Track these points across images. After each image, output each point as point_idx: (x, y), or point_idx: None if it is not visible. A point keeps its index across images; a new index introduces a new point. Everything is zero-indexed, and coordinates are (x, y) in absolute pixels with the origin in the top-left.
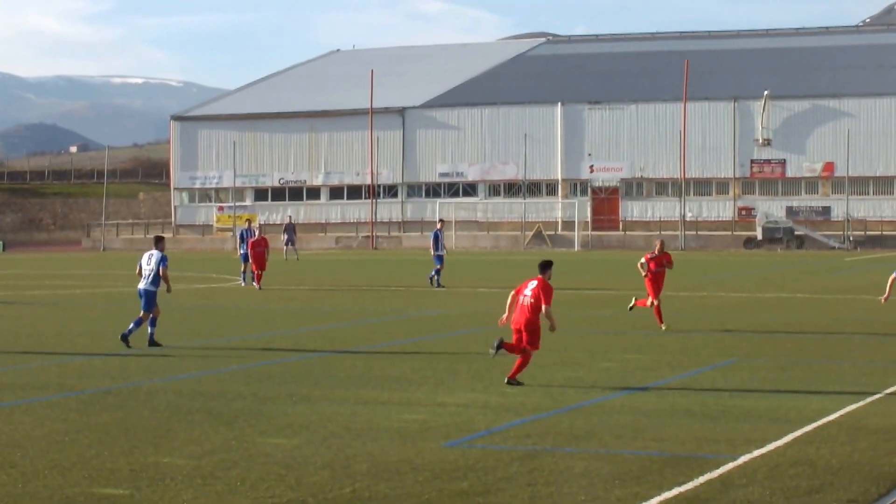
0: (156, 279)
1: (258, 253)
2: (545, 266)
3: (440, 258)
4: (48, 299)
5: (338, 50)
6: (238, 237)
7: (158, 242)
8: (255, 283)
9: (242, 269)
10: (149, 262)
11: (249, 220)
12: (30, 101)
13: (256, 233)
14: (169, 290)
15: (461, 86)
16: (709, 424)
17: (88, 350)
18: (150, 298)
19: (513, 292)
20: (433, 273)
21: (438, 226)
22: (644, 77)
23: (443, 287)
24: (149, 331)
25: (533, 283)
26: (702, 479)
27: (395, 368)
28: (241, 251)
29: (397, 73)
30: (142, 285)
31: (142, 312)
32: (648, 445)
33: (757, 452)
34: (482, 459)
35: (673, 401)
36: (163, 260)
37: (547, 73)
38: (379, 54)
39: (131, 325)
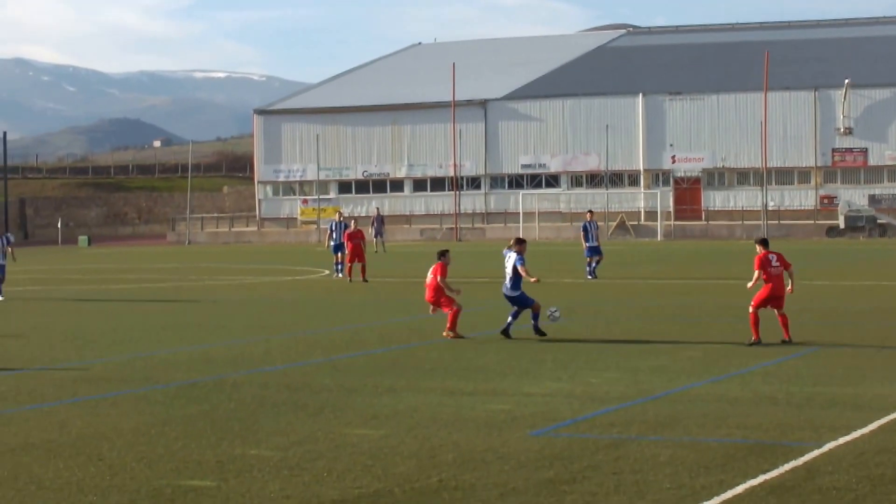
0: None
1: (356, 245)
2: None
3: (592, 249)
4: (133, 293)
5: (419, 43)
6: (329, 229)
7: (520, 243)
8: (349, 275)
9: (335, 260)
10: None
11: (340, 213)
12: (113, 97)
13: (352, 225)
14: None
15: (542, 77)
16: (793, 412)
17: (173, 343)
18: (519, 298)
19: None
20: (593, 265)
21: (588, 217)
22: (724, 67)
23: (595, 278)
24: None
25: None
26: (787, 467)
27: (480, 359)
28: (332, 243)
29: (479, 66)
30: (506, 292)
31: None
32: (733, 433)
33: (842, 440)
34: (567, 448)
35: (756, 388)
36: (519, 259)
37: (628, 65)
38: (460, 47)
39: (509, 319)
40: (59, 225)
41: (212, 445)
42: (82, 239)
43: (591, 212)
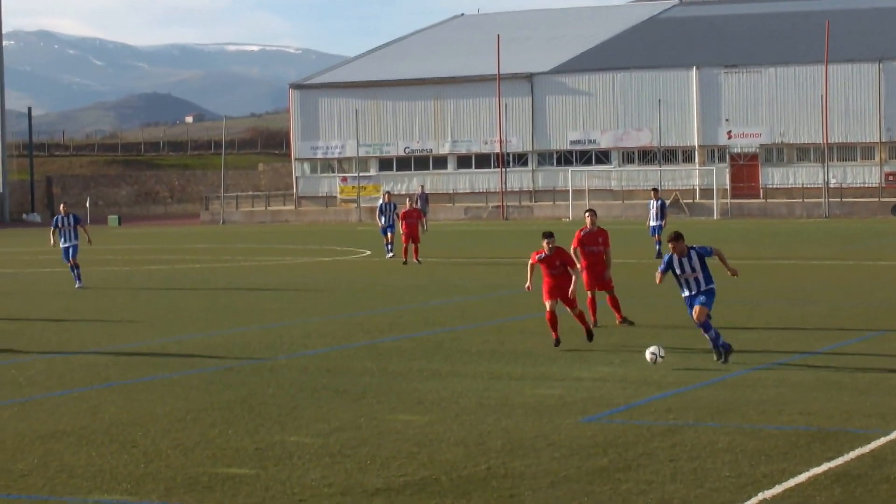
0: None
1: (411, 224)
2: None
3: (656, 228)
4: (166, 275)
5: (462, 14)
6: (378, 210)
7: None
8: (404, 256)
9: (385, 241)
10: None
11: (388, 193)
12: (143, 71)
13: (408, 203)
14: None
15: (591, 50)
16: (858, 398)
17: (209, 327)
18: None
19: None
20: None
21: (653, 195)
22: (782, 39)
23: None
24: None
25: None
26: (852, 455)
27: (528, 342)
28: (382, 224)
29: (524, 38)
30: None
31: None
32: (795, 419)
33: None
34: (621, 435)
35: (819, 373)
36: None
37: (680, 36)
38: (505, 18)
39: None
40: (87, 204)
41: (250, 432)
42: (112, 219)
43: (655, 189)
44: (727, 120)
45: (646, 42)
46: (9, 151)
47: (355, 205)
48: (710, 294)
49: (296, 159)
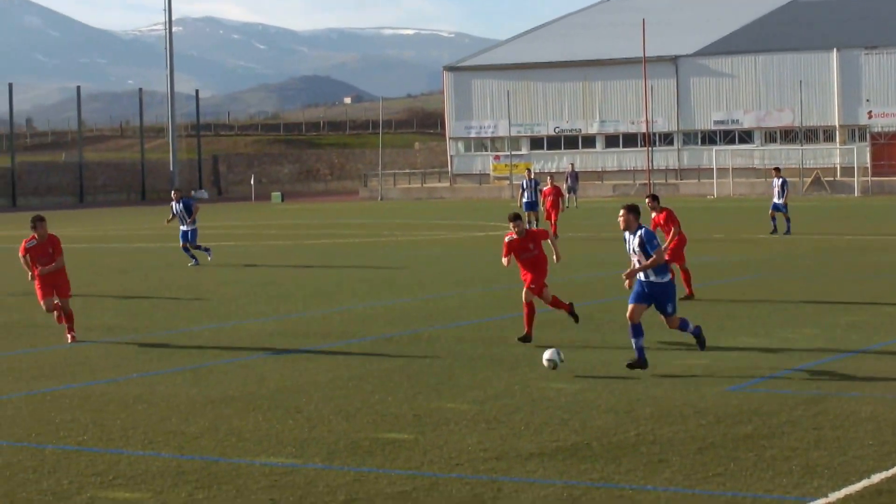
0: None
1: (554, 200)
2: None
3: (779, 206)
4: (327, 249)
5: None
6: (521, 187)
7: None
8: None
9: (527, 218)
10: None
11: (529, 170)
12: (303, 54)
13: (548, 181)
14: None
15: (734, 33)
16: None
17: (369, 298)
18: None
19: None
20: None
21: (774, 174)
22: None
23: (788, 234)
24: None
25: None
26: None
27: None
28: (524, 200)
29: (668, 21)
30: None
31: None
32: None
33: None
34: (766, 403)
35: None
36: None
37: (821, 18)
38: (650, 2)
39: None
40: (252, 181)
41: (408, 399)
42: (275, 195)
43: (777, 168)
44: (867, 100)
45: (787, 24)
46: (178, 132)
47: (508, 182)
48: (663, 292)
49: (450, 138)
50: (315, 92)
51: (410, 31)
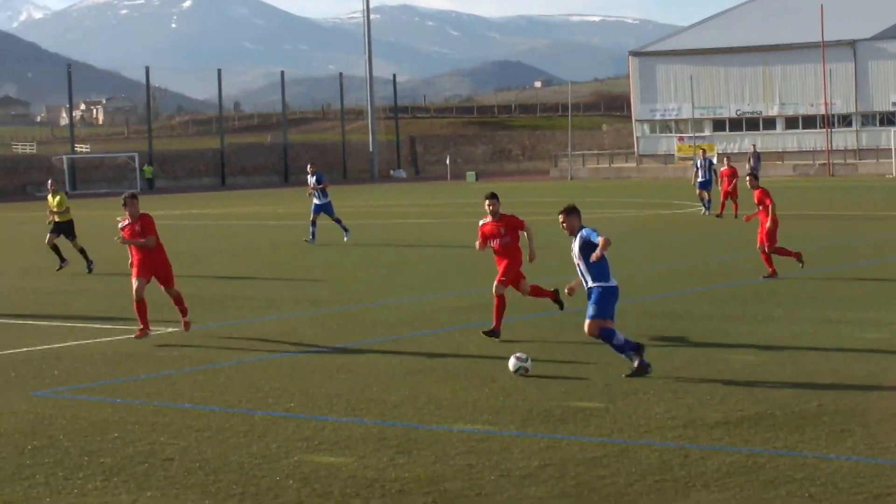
0: None
1: (732, 183)
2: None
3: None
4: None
5: None
6: (694, 167)
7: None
8: (720, 210)
9: (701, 197)
10: None
11: (704, 150)
12: (494, 40)
13: (725, 162)
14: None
15: None
16: None
17: (553, 275)
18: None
19: None
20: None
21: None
22: None
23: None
24: None
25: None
26: None
27: (856, 290)
28: (699, 179)
29: (846, 6)
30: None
31: None
32: None
33: None
34: None
35: None
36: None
37: None
38: None
39: None
40: (447, 162)
41: (599, 369)
42: (470, 174)
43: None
44: None
45: None
46: (377, 114)
47: (692, 162)
48: (598, 296)
49: (636, 120)
50: (506, 76)
51: (597, 18)
